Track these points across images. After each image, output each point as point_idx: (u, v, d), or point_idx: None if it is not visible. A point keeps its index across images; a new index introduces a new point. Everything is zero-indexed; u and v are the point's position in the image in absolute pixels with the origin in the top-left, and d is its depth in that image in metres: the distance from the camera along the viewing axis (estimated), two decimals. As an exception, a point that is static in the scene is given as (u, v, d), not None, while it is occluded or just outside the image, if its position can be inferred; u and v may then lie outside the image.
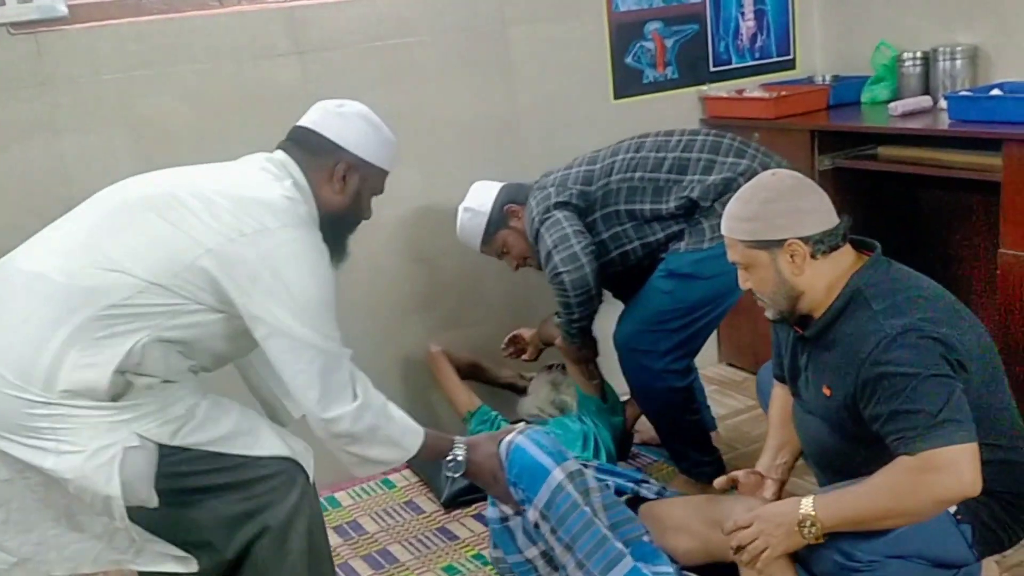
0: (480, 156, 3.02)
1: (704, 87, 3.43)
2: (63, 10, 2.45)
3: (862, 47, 3.41)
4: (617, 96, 3.29)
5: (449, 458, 2.04)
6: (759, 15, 3.53)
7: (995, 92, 2.78)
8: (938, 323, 1.77)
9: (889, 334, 1.76)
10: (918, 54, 3.21)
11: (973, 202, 3.04)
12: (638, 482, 2.37)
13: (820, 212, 1.88)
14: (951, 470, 1.68)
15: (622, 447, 2.91)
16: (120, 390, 1.70)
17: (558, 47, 3.16)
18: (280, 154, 1.97)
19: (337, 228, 1.98)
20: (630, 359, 2.57)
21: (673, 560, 2.13)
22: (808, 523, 1.77)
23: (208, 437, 1.78)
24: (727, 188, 2.40)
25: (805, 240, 1.86)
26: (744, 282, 1.96)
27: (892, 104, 3.08)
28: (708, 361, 3.51)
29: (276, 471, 1.82)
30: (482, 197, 2.75)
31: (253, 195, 1.81)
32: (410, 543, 2.63)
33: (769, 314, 1.99)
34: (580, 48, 3.21)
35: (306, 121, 2.02)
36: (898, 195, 3.15)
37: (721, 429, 3.00)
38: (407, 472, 3.03)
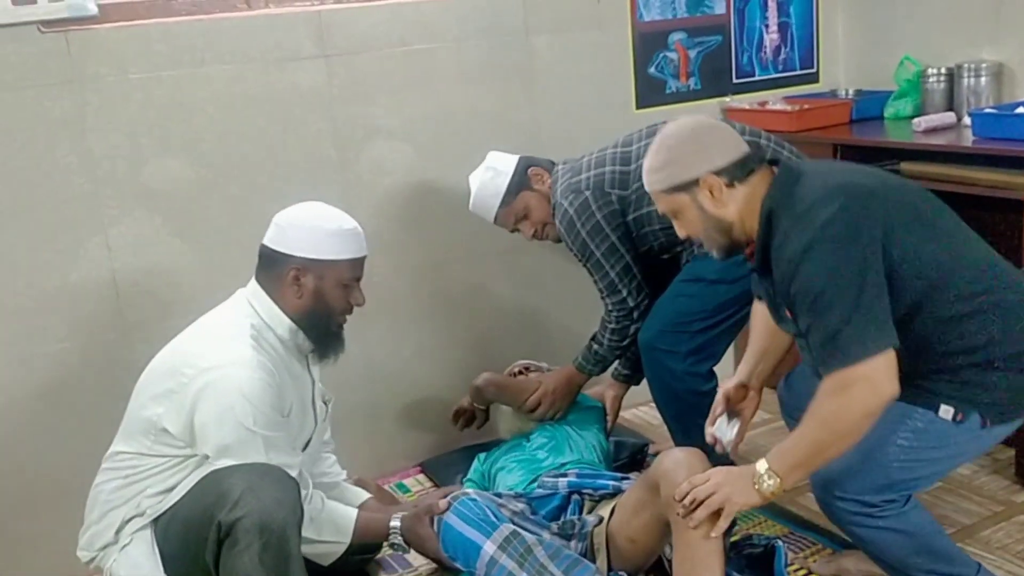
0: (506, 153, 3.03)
1: (727, 98, 3.43)
2: (93, 9, 2.47)
3: (886, 62, 3.40)
4: (639, 106, 3.30)
5: (389, 542, 2.25)
6: (783, 28, 3.53)
7: (1020, 109, 2.76)
8: (842, 220, 1.76)
9: (796, 251, 1.79)
10: (942, 70, 3.20)
11: (996, 220, 3.02)
12: (620, 479, 2.38)
13: (726, 143, 1.94)
14: (865, 384, 1.72)
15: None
16: None
17: (581, 56, 3.17)
18: (252, 284, 2.18)
19: (314, 327, 2.15)
20: (652, 359, 2.59)
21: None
22: (765, 476, 1.82)
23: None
24: None
25: (718, 172, 1.91)
26: (680, 231, 2.01)
27: (915, 120, 3.07)
28: (724, 374, 3.50)
29: None
30: (503, 159, 2.73)
31: (198, 346, 2.08)
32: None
33: (715, 254, 2.04)
34: (603, 57, 3.22)
35: (264, 237, 2.17)
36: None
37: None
38: (421, 476, 3.04)
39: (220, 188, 2.71)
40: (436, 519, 2.23)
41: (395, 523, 2.23)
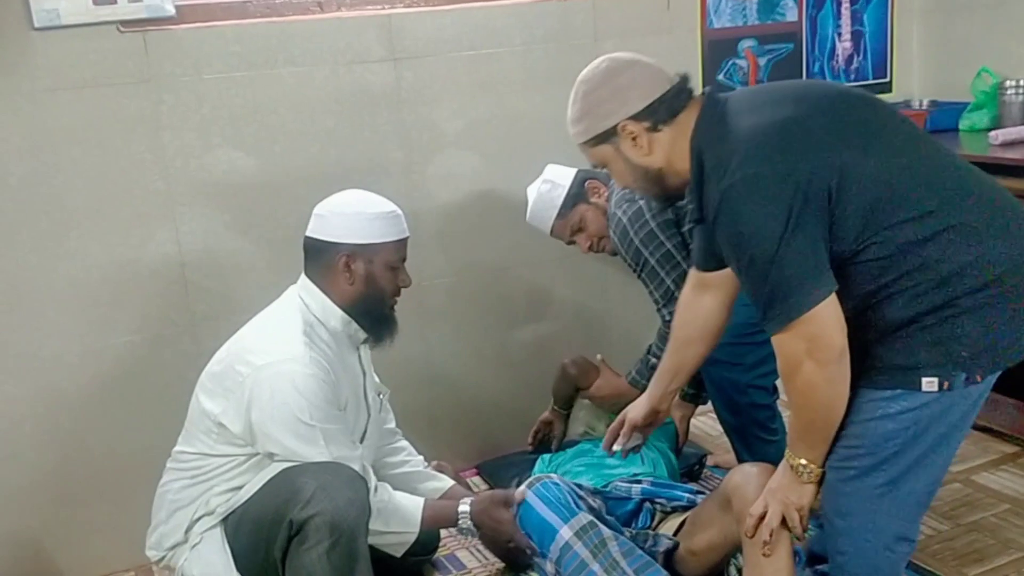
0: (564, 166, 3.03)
1: (796, 107, 3.38)
2: (171, 10, 2.53)
3: (962, 73, 3.33)
4: (707, 113, 3.26)
5: (459, 527, 2.23)
6: (856, 36, 3.47)
7: (1102, 124, 2.69)
8: (761, 163, 1.60)
9: (714, 197, 1.65)
10: (1021, 82, 3.12)
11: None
12: (695, 493, 2.37)
13: (643, 84, 1.77)
14: (809, 362, 1.62)
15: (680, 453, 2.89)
16: None
17: (649, 62, 3.15)
18: (302, 279, 2.20)
19: (368, 312, 2.18)
20: (715, 372, 2.55)
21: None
22: (801, 467, 1.77)
23: None
24: None
25: (636, 117, 1.76)
26: (617, 182, 1.93)
27: (992, 133, 2.99)
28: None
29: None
30: (560, 172, 2.72)
31: (252, 343, 2.11)
32: (478, 549, 2.64)
33: (654, 204, 1.99)
34: (672, 64, 3.12)
35: (308, 230, 2.19)
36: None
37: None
38: (477, 479, 3.05)
39: (288, 187, 2.75)
40: (518, 497, 2.23)
41: (464, 507, 2.22)
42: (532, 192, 2.73)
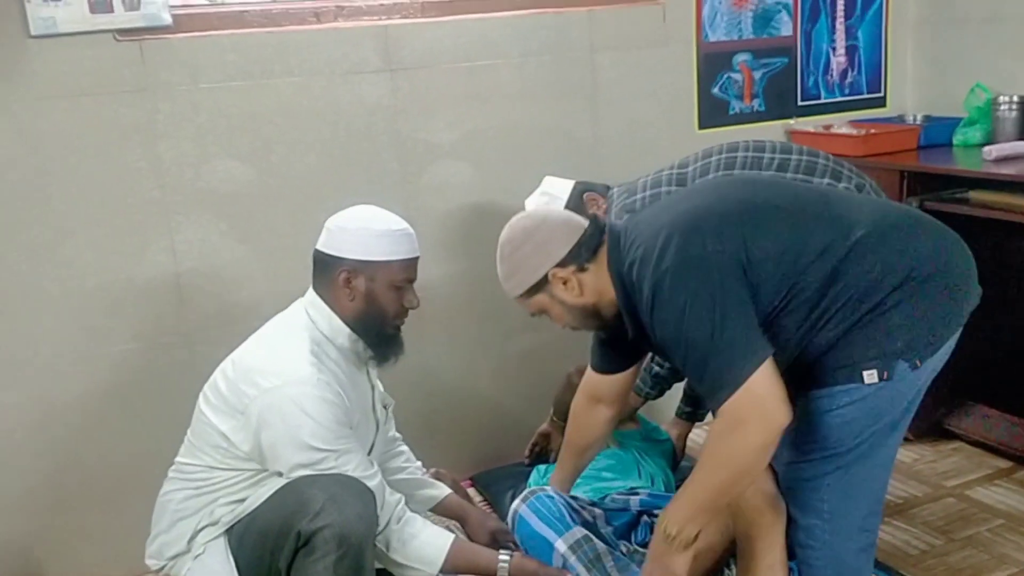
0: (561, 177, 3.03)
1: (791, 121, 3.40)
2: (168, 19, 2.53)
3: (956, 88, 3.34)
4: (702, 126, 3.28)
5: None
6: (851, 51, 3.49)
7: (1095, 140, 2.70)
8: (675, 255, 1.73)
9: (646, 302, 1.77)
10: (1015, 98, 3.14)
11: (1068, 252, 2.96)
12: None
13: (559, 233, 1.93)
14: (756, 418, 1.67)
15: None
16: None
17: (645, 74, 3.16)
18: (309, 293, 2.16)
19: (369, 330, 2.13)
20: None
21: None
22: (671, 534, 1.79)
23: None
24: None
25: (562, 264, 1.91)
26: (557, 324, 2.03)
27: (986, 148, 3.01)
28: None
29: None
30: (558, 184, 2.70)
31: (260, 363, 2.05)
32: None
33: (599, 335, 2.09)
34: (667, 76, 3.21)
35: (318, 242, 2.16)
36: (988, 241, 3.06)
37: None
38: (472, 491, 3.04)
39: (285, 197, 2.75)
40: (511, 510, 2.22)
41: (503, 562, 2.11)
42: (530, 205, 2.72)
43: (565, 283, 1.93)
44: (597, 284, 1.93)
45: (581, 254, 1.92)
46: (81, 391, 2.61)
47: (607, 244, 1.93)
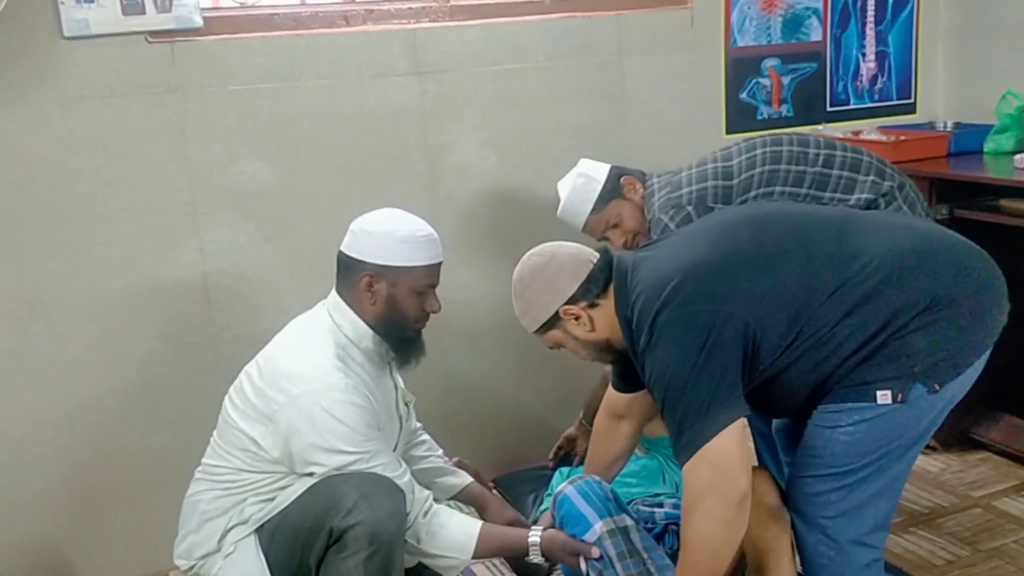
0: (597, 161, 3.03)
1: (820, 126, 3.37)
2: (199, 21, 2.55)
3: (987, 95, 3.31)
4: (729, 131, 3.27)
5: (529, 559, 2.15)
6: (881, 56, 3.46)
7: None
8: (670, 311, 1.74)
9: (642, 345, 1.79)
10: (1047, 105, 3.10)
11: (1098, 261, 2.92)
12: None
13: (568, 269, 1.95)
14: (711, 496, 1.70)
15: None
16: None
17: (673, 79, 3.15)
18: (332, 296, 2.15)
19: (390, 333, 2.13)
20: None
21: None
22: None
23: None
24: (868, 208, 2.33)
25: (572, 301, 1.93)
26: (577, 356, 2.05)
27: (1017, 156, 2.97)
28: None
29: None
30: (595, 167, 2.66)
31: (287, 368, 2.05)
32: (493, 563, 2.64)
33: (614, 370, 2.11)
34: (695, 81, 3.20)
35: (342, 244, 2.16)
36: (1018, 250, 3.03)
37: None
38: (494, 493, 3.04)
39: (312, 199, 2.76)
40: (556, 492, 2.17)
41: (534, 539, 2.11)
42: (565, 186, 2.66)
43: (577, 319, 1.96)
44: (608, 319, 1.94)
45: (591, 290, 1.94)
46: (107, 389, 2.63)
47: (615, 281, 1.93)
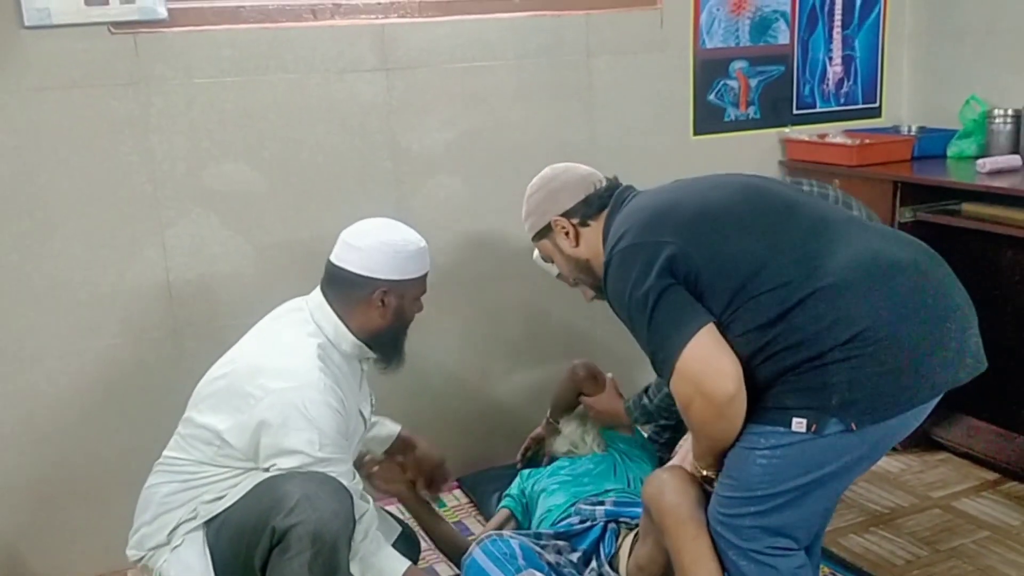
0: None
1: (786, 129, 3.40)
2: (163, 13, 2.51)
3: (951, 100, 3.35)
4: (697, 132, 3.28)
5: None
6: (847, 60, 3.49)
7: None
8: (627, 245, 1.82)
9: (604, 271, 1.89)
10: (1009, 111, 3.14)
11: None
12: None
13: (573, 185, 2.08)
14: (699, 399, 1.73)
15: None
16: None
17: (641, 79, 3.16)
18: (317, 299, 2.17)
19: (387, 342, 2.20)
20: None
21: None
22: (700, 470, 1.91)
23: None
24: None
25: (566, 214, 2.07)
26: (563, 274, 2.19)
27: (980, 161, 3.01)
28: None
29: None
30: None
31: (267, 364, 2.06)
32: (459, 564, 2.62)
33: (589, 295, 2.17)
34: (663, 82, 3.21)
35: (333, 257, 2.18)
36: (980, 253, 3.07)
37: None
38: (458, 492, 3.04)
39: (277, 194, 2.74)
40: (465, 555, 2.22)
41: None
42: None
43: (566, 233, 2.08)
44: (594, 241, 2.03)
45: (587, 209, 2.05)
46: (67, 385, 2.59)
47: (609, 208, 2.02)
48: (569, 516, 2.42)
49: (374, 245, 2.14)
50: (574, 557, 2.28)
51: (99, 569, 2.65)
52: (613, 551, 2.30)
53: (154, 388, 2.63)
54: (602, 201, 2.04)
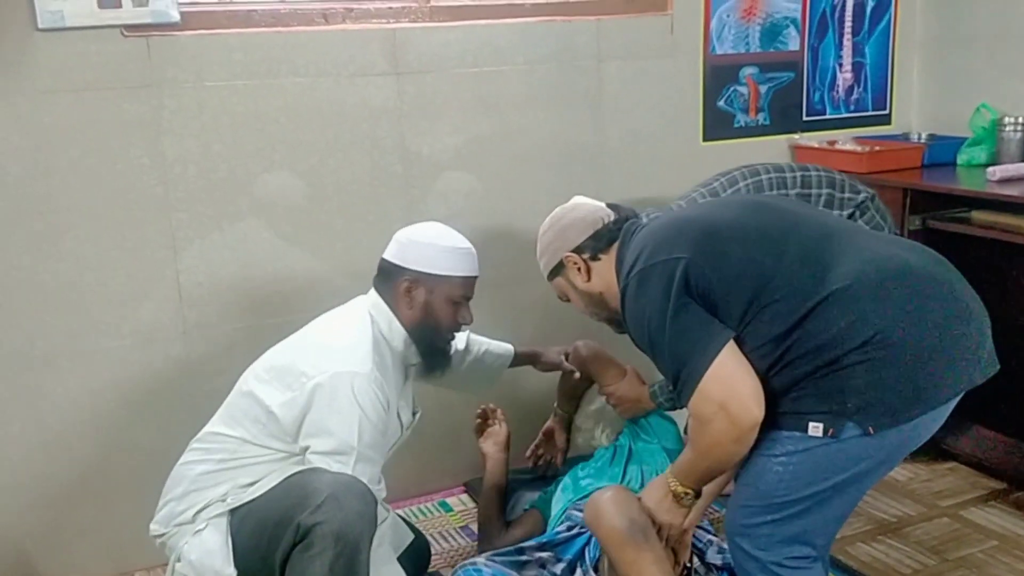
0: (564, 186, 3.00)
1: (796, 136, 3.40)
2: (176, 16, 2.52)
3: (961, 108, 3.34)
4: (706, 138, 3.28)
5: None
6: (857, 67, 3.49)
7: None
8: (641, 267, 1.84)
9: (620, 297, 1.92)
10: (1020, 119, 3.14)
11: (1069, 274, 2.95)
12: None
13: (581, 222, 2.10)
14: (722, 416, 1.72)
15: None
16: None
17: (651, 85, 3.16)
18: (372, 295, 2.27)
19: (422, 340, 2.25)
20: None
21: None
22: (683, 494, 1.93)
23: None
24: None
25: (577, 250, 2.10)
26: (579, 310, 2.20)
27: (990, 169, 3.01)
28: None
29: None
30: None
31: (328, 343, 2.16)
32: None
33: (613, 328, 2.17)
34: (673, 88, 3.21)
35: (385, 252, 2.29)
36: (990, 261, 3.06)
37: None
38: (464, 496, 3.04)
39: (288, 197, 2.74)
40: None
41: None
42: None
43: (578, 268, 2.10)
44: (606, 274, 2.06)
45: (597, 244, 2.07)
46: (77, 386, 2.60)
47: (619, 241, 2.04)
48: (563, 522, 2.40)
49: (411, 237, 2.25)
50: (558, 569, 2.27)
51: (108, 570, 2.66)
52: (598, 555, 2.29)
53: (164, 389, 2.64)
54: (611, 235, 2.07)
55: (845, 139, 3.38)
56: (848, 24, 3.43)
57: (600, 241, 2.07)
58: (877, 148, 3.25)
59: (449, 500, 3.01)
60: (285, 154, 2.73)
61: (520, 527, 2.57)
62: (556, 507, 2.51)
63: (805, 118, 3.43)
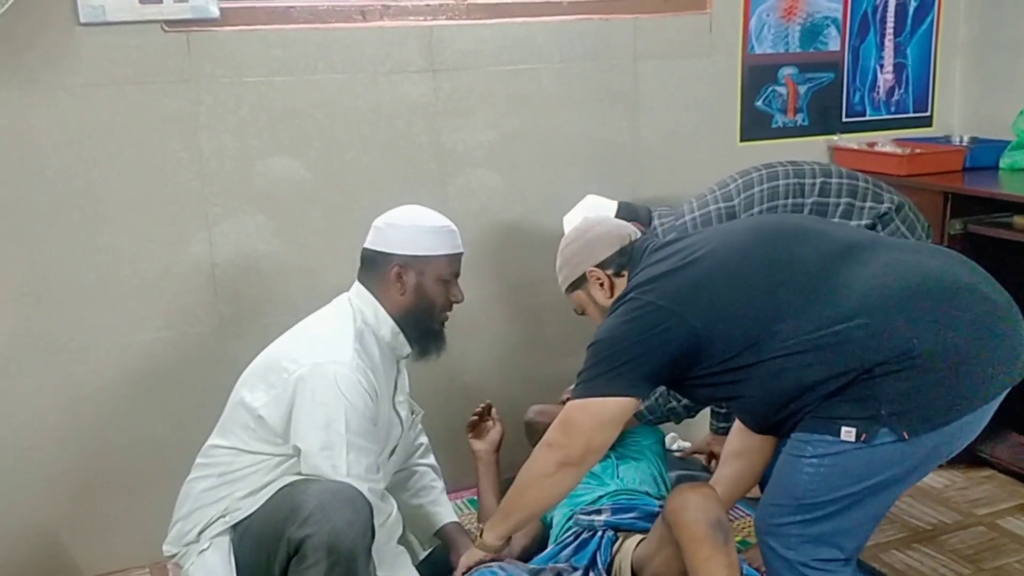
0: (598, 185, 3.00)
1: (835, 137, 3.36)
2: (215, 12, 2.54)
3: (1004, 111, 3.29)
4: (743, 139, 3.25)
5: None
6: (899, 68, 3.44)
7: None
8: (627, 305, 1.88)
9: (613, 307, 1.96)
10: (1065, 123, 3.08)
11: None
12: (658, 506, 2.29)
13: (608, 237, 2.11)
14: (546, 447, 1.90)
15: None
16: None
17: (688, 84, 3.14)
18: (355, 286, 2.23)
19: (417, 323, 2.21)
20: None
21: None
22: (486, 542, 2.09)
23: None
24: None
25: (601, 265, 2.10)
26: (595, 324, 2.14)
27: (1033, 173, 2.96)
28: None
29: None
30: (600, 209, 2.65)
31: (304, 341, 2.15)
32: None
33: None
34: (710, 87, 3.18)
35: (366, 241, 2.24)
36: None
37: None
38: (460, 502, 3.02)
39: (322, 193, 2.75)
40: None
41: None
42: (569, 221, 2.66)
43: (600, 284, 2.10)
44: None
45: (620, 260, 2.07)
46: (112, 377, 2.63)
47: (632, 258, 2.06)
48: (570, 529, 2.38)
49: (391, 222, 2.21)
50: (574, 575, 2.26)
51: (140, 561, 2.69)
52: (609, 558, 2.27)
53: (197, 382, 2.66)
54: (635, 253, 2.07)
55: (885, 141, 3.34)
56: (890, 25, 3.38)
57: (624, 257, 2.08)
58: (918, 151, 3.20)
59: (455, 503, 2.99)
60: (321, 150, 2.74)
61: (521, 534, 2.56)
62: (557, 513, 2.48)
63: (844, 119, 3.39)
